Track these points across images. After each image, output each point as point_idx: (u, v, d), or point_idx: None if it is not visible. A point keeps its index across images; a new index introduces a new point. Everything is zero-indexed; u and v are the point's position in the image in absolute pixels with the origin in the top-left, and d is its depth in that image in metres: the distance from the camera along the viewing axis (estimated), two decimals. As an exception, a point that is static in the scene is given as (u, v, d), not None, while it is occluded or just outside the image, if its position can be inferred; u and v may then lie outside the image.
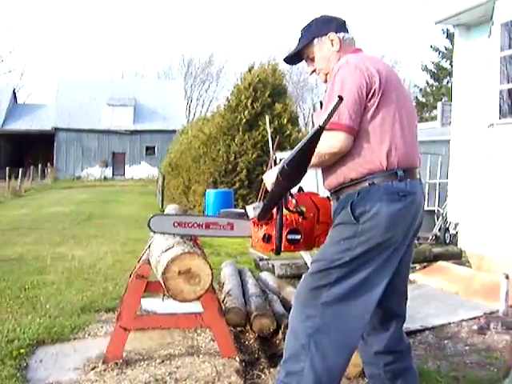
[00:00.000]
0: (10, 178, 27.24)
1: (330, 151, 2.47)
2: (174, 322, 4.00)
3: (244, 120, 16.36)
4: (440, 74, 41.96)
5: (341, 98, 2.17)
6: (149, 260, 3.80)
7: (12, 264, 7.45)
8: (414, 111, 2.75)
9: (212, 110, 27.80)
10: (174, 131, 33.99)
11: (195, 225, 3.29)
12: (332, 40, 2.75)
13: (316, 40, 2.78)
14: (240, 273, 5.83)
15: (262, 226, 2.77)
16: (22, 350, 3.94)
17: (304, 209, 2.74)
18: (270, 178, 2.63)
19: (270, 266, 6.99)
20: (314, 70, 2.86)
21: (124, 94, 46.83)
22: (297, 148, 2.27)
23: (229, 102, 17.47)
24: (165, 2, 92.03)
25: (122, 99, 46.01)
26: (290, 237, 2.75)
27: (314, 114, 2.76)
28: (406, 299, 2.86)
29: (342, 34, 2.76)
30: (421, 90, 45.72)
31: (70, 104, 45.18)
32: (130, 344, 3.90)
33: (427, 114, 42.76)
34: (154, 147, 45.31)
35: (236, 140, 16.09)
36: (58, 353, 4.04)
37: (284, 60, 3.06)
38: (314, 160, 2.35)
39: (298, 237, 2.77)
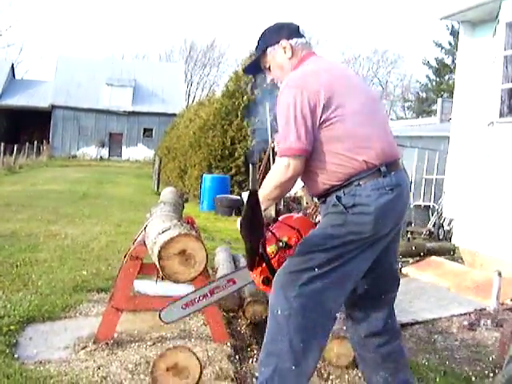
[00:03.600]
0: (4, 153, 27.14)
1: (285, 179, 2.54)
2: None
3: (243, 105, 16.27)
4: (442, 70, 41.91)
5: (253, 165, 2.49)
6: (144, 241, 3.78)
7: (4, 240, 7.42)
8: (377, 105, 2.78)
9: (209, 94, 27.69)
10: (172, 114, 33.83)
11: (201, 297, 3.31)
12: (284, 47, 2.77)
13: (269, 49, 2.82)
14: (234, 259, 5.82)
15: (257, 270, 2.77)
16: (11, 327, 3.93)
17: (285, 239, 2.72)
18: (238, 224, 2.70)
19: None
20: (273, 79, 2.89)
21: (124, 74, 46.55)
22: (243, 212, 2.46)
23: (227, 87, 17.36)
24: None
25: (122, 79, 45.75)
26: None
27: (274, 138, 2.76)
28: (398, 282, 2.90)
29: (294, 40, 2.78)
30: (422, 85, 45.72)
31: (69, 82, 44.86)
32: (122, 325, 3.89)
33: (427, 108, 42.83)
34: (151, 129, 45.15)
35: (233, 126, 16.01)
36: (48, 331, 4.03)
37: (243, 71, 3.09)
38: (275, 192, 2.56)
39: None
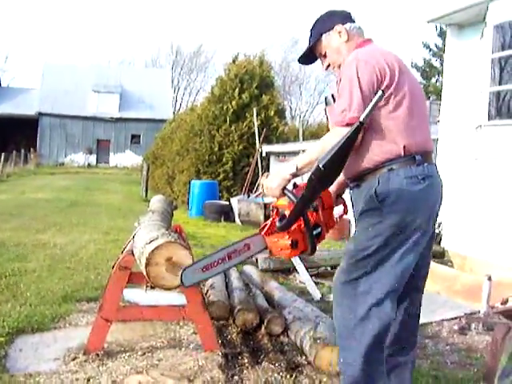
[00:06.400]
0: (-9, 162, 26.98)
1: None
2: (157, 314, 3.96)
3: (231, 110, 16.26)
4: (429, 73, 42.02)
5: (383, 92, 2.36)
6: (132, 251, 3.76)
7: (-8, 250, 7.35)
8: (423, 97, 2.81)
9: (197, 100, 27.71)
10: (160, 120, 33.79)
11: (219, 261, 3.24)
12: (339, 32, 2.81)
13: (324, 36, 2.85)
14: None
15: (283, 234, 2.73)
16: (1, 339, 3.89)
17: (315, 204, 2.72)
18: (272, 183, 2.64)
19: (254, 259, 6.97)
20: (329, 65, 2.89)
21: (110, 80, 46.40)
22: (333, 147, 2.33)
23: (212, 92, 17.35)
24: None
25: (108, 86, 45.65)
26: (314, 232, 2.75)
27: (326, 109, 2.75)
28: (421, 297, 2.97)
29: (348, 25, 2.82)
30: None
31: (55, 89, 44.72)
32: (112, 335, 3.86)
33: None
34: (139, 136, 45.09)
35: (220, 131, 15.99)
36: (38, 342, 3.99)
37: (298, 61, 3.11)
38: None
39: (319, 229, 2.78)
